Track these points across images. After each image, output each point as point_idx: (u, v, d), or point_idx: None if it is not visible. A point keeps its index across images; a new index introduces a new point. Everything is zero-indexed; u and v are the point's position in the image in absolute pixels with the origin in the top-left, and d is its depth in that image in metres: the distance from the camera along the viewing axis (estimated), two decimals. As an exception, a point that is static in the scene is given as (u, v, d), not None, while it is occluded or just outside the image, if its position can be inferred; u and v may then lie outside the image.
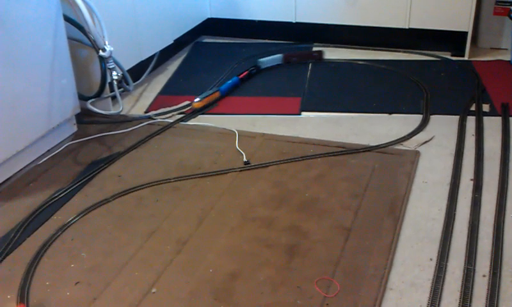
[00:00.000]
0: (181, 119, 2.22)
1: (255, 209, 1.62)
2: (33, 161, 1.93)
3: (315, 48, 2.93)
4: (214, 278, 1.35)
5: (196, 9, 3.08)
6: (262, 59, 2.67)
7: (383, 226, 1.52)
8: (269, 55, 2.75)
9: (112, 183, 1.79)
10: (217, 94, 2.38)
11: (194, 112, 2.27)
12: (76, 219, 1.61)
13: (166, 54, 2.87)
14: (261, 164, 1.85)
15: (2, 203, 1.71)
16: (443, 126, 2.09)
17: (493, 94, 2.34)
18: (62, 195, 1.73)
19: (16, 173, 1.86)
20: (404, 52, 2.91)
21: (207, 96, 2.32)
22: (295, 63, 2.75)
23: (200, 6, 3.11)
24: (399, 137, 1.99)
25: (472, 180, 1.74)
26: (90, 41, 2.12)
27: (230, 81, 2.49)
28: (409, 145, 1.95)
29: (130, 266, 1.41)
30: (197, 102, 2.29)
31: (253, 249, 1.45)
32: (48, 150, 2.00)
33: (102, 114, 2.26)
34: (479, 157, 1.85)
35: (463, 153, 1.89)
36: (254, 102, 2.39)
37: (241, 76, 2.57)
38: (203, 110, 2.29)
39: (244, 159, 1.87)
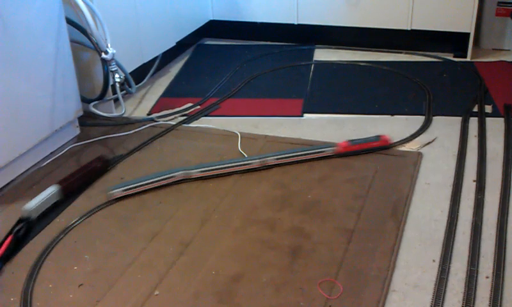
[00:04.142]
0: (183, 122, 2.22)
1: (257, 211, 1.62)
2: (36, 163, 1.93)
3: (99, 156, 1.91)
4: (217, 280, 1.35)
5: (198, 11, 3.08)
6: (29, 206, 1.62)
7: (385, 227, 1.52)
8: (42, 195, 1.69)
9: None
10: None
11: None
12: (79, 221, 1.62)
13: (168, 56, 2.88)
14: (263, 166, 1.85)
15: (5, 206, 1.72)
16: (446, 127, 2.08)
17: (496, 95, 2.34)
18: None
19: (19, 176, 1.86)
20: (406, 53, 2.91)
21: None
22: (77, 189, 1.77)
23: (202, 8, 3.12)
24: (401, 139, 1.99)
25: (474, 181, 1.74)
26: (92, 43, 2.12)
27: None
28: (411, 146, 1.95)
29: (133, 268, 1.41)
30: None
31: (256, 251, 1.45)
32: (51, 153, 2.00)
33: (104, 116, 2.26)
34: (481, 158, 1.85)
35: (465, 154, 1.89)
36: (256, 103, 2.39)
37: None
38: None
39: (247, 161, 1.87)
